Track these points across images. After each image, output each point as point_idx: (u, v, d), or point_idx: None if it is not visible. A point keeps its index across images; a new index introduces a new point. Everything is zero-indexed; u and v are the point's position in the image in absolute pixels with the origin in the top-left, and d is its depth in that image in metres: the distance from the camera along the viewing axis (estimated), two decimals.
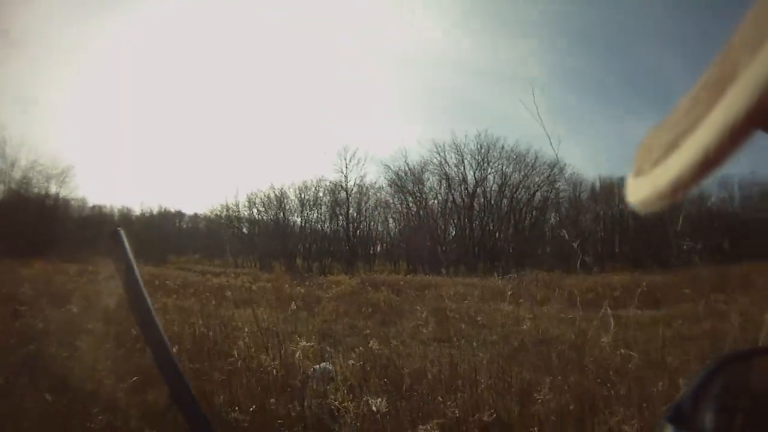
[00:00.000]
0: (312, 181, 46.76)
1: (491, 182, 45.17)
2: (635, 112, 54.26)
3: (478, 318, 9.64)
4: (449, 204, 45.52)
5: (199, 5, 66.79)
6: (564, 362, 5.80)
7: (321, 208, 47.08)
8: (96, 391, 5.01)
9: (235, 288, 14.54)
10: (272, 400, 5.09)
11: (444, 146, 45.03)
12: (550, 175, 43.52)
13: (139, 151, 66.58)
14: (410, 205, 46.64)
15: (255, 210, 48.65)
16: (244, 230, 49.21)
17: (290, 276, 26.13)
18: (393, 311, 13.38)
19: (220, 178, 79.32)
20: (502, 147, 44.18)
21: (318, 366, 6.13)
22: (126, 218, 45.66)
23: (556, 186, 44.24)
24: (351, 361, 6.35)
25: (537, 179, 44.25)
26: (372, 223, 48.24)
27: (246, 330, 7.36)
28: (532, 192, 44.57)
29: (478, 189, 44.89)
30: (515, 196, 44.70)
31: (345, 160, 45.59)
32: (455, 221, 45.54)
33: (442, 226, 45.55)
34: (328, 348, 7.68)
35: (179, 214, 54.34)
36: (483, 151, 44.45)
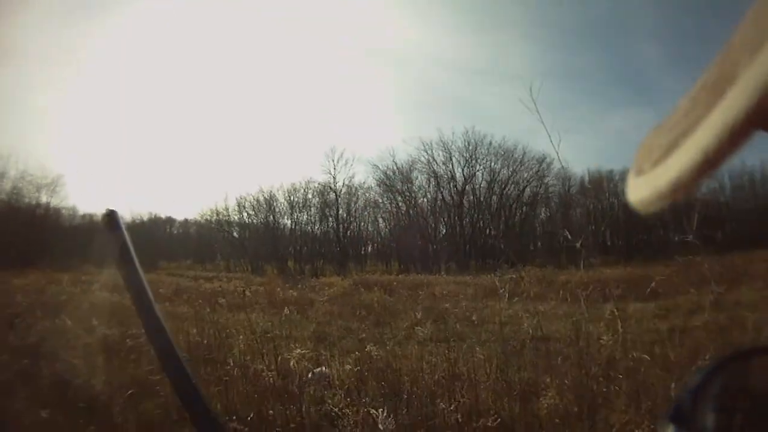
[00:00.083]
0: (301, 183, 46.89)
1: (480, 179, 45.36)
2: (620, 105, 54.66)
3: (474, 317, 9.61)
4: (439, 202, 45.64)
5: (178, 13, 66.28)
6: (564, 360, 5.77)
7: (311, 210, 47.17)
8: (92, 406, 4.97)
9: (228, 293, 14.46)
10: (270, 412, 5.05)
11: (431, 144, 45.14)
12: (539, 170, 43.69)
13: (128, 157, 65.96)
14: (400, 204, 46.73)
15: (245, 213, 48.68)
16: (235, 234, 49.15)
17: (282, 279, 26.02)
18: (387, 312, 13.34)
19: (210, 183, 79.00)
20: (490, 143, 44.39)
21: (316, 370, 6.12)
22: None
23: (545, 181, 44.35)
24: (348, 366, 6.33)
25: (526, 175, 44.39)
26: (362, 224, 48.42)
27: (241, 337, 7.32)
28: (521, 188, 44.68)
29: (467, 186, 45.04)
30: (504, 192, 44.83)
31: (333, 161, 45.66)
32: (445, 219, 45.65)
33: (433, 225, 45.63)
34: (323, 352, 7.65)
35: (170, 220, 54.23)
36: (471, 148, 44.60)
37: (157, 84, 66.06)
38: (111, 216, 1.40)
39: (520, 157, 43.72)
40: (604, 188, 41.11)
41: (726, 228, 34.76)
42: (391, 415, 4.49)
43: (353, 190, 46.56)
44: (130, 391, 4.93)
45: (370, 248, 49.77)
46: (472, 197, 45.24)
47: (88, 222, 43.94)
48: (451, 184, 45.19)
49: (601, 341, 5.60)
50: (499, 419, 4.58)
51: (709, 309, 6.98)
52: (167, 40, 67.41)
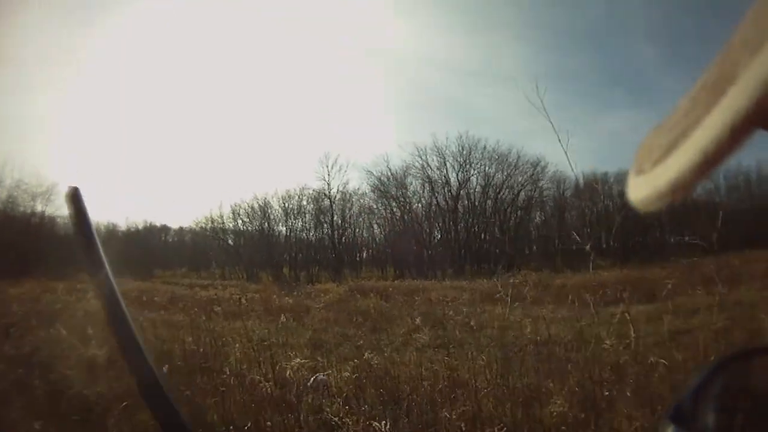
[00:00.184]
0: (295, 190, 46.69)
1: (474, 184, 45.28)
2: (614, 107, 54.88)
3: (472, 322, 9.61)
4: (433, 207, 45.55)
5: (177, 13, 66.35)
6: (572, 365, 5.74)
7: (305, 217, 47.00)
8: (86, 418, 4.94)
9: (224, 300, 14.44)
10: (269, 423, 5.02)
11: (425, 149, 44.99)
12: (533, 174, 43.77)
13: (122, 165, 65.80)
14: (394, 210, 46.62)
15: (239, 221, 48.52)
16: (230, 242, 49.03)
17: (278, 286, 26.00)
18: (383, 318, 13.32)
19: (205, 190, 78.84)
20: (484, 147, 44.29)
21: (316, 376, 6.11)
22: (112, 234, 45.32)
23: (540, 185, 44.45)
24: (346, 373, 6.31)
25: (520, 179, 44.44)
26: (357, 230, 48.27)
27: (237, 345, 7.30)
28: (516, 192, 44.73)
29: (461, 191, 44.97)
30: (499, 196, 44.82)
31: (327, 167, 45.51)
32: (440, 224, 45.62)
33: (427, 230, 45.57)
34: (319, 359, 7.63)
35: (165, 228, 53.96)
36: (465, 152, 44.51)
37: (150, 89, 65.52)
38: (74, 193, 1.36)
39: (515, 160, 43.78)
40: (599, 191, 41.19)
41: (722, 229, 34.83)
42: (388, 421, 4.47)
43: (348, 196, 46.48)
44: (124, 403, 4.89)
45: (365, 254, 49.69)
46: (466, 202, 45.22)
47: None
48: (446, 189, 45.18)
49: (605, 345, 5.58)
50: (504, 427, 4.55)
51: (715, 310, 6.98)
52: (163, 41, 66.82)
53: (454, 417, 4.69)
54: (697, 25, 43.17)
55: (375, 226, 48.35)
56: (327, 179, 45.40)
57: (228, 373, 6.10)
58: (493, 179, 44.65)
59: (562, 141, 5.86)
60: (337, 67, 66.71)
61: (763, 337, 6.09)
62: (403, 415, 5.03)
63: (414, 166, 45.32)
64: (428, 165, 45.16)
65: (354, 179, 68.05)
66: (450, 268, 36.89)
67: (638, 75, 52.52)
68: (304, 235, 47.46)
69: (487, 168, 44.78)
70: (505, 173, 44.43)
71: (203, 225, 49.93)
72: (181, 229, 54.28)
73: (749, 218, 34.04)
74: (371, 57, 65.00)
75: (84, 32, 56.54)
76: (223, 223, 48.86)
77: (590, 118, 52.20)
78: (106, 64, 63.49)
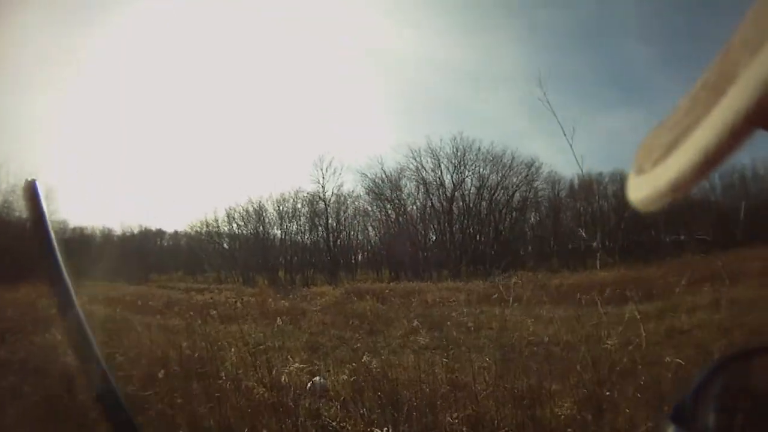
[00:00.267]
0: (290, 193, 46.68)
1: (469, 185, 45.32)
2: (611, 107, 55.02)
3: (470, 323, 9.61)
4: (428, 209, 45.57)
5: (176, 14, 66.21)
6: (574, 365, 5.73)
7: (300, 220, 47.01)
8: (81, 423, 4.91)
9: (220, 304, 14.40)
10: (265, 430, 5.00)
11: (420, 151, 45.02)
12: (527, 175, 43.85)
13: (117, 170, 65.55)
14: (389, 212, 46.63)
15: (234, 225, 48.51)
16: (225, 245, 49.02)
17: (273, 289, 25.95)
18: (380, 320, 13.33)
19: (200, 194, 78.67)
20: (479, 149, 44.33)
21: (314, 379, 6.10)
22: (107, 238, 45.38)
23: (535, 185, 44.54)
24: (344, 376, 6.29)
25: (515, 180, 44.50)
26: (352, 232, 48.25)
27: (233, 349, 7.28)
28: (510, 193, 44.79)
29: (456, 192, 44.99)
30: (494, 197, 44.86)
31: (322, 170, 45.50)
32: (435, 226, 45.62)
33: (423, 232, 45.62)
34: (316, 362, 7.62)
35: (160, 233, 53.94)
36: (459, 154, 44.57)
37: (149, 89, 65.53)
38: (31, 186, 1.38)
39: (509, 162, 43.82)
40: (594, 191, 41.28)
41: (717, 227, 34.95)
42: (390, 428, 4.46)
43: (342, 198, 46.46)
44: None
45: (360, 257, 49.74)
46: (461, 203, 45.22)
47: (79, 235, 43.83)
48: (441, 190, 45.20)
49: (607, 345, 5.56)
50: (507, 430, 4.53)
51: (716, 308, 6.99)
52: (162, 42, 66.72)
53: (455, 420, 4.68)
54: (693, 24, 43.38)
55: (370, 228, 48.45)
56: (322, 182, 45.44)
57: (224, 377, 6.07)
58: (487, 180, 44.73)
59: (568, 136, 5.88)
60: (333, 68, 66.88)
61: (763, 335, 6.10)
62: (403, 418, 5.01)
63: (409, 168, 45.37)
64: (423, 167, 45.21)
65: (348, 182, 68.09)
66: (446, 270, 36.95)
67: (636, 75, 52.62)
68: (299, 238, 47.53)
69: (481, 169, 44.85)
70: (500, 174, 44.51)
71: (198, 229, 50.00)
72: (176, 233, 54.31)
73: (746, 216, 34.16)
74: (368, 57, 65.12)
75: (84, 32, 56.42)
76: (219, 226, 48.97)
77: (588, 118, 52.29)
78: (105, 64, 63.44)
